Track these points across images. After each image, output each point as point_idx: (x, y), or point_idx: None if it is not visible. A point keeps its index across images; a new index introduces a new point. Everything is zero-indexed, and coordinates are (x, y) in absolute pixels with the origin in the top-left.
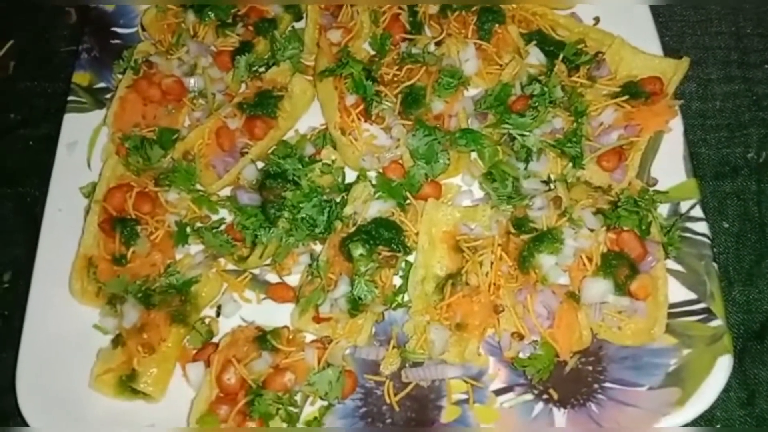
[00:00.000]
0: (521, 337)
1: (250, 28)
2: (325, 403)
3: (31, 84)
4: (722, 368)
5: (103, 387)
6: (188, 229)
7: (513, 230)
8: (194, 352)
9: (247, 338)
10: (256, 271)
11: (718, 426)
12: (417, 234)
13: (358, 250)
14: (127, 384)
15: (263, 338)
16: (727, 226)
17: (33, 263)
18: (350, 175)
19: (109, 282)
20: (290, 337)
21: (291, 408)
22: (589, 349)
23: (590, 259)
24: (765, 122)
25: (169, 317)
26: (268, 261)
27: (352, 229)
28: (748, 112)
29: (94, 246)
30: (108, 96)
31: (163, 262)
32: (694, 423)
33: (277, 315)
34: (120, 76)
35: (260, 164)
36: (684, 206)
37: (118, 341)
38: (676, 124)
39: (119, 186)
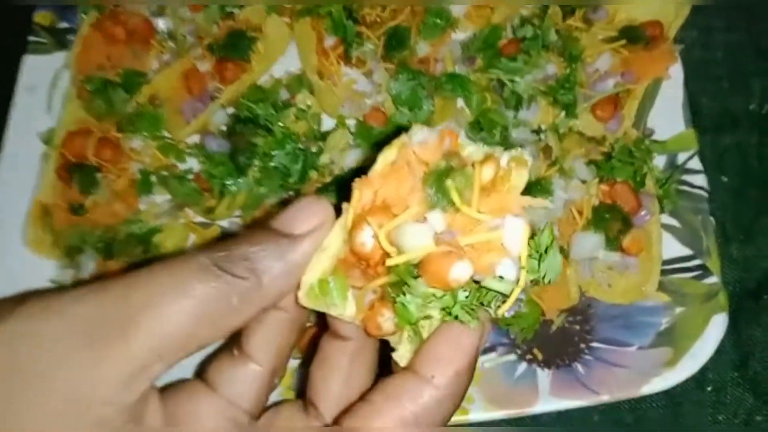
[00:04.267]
0: None
1: None
2: None
3: None
4: (716, 327)
5: None
6: (153, 178)
7: None
8: None
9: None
10: (226, 224)
11: (709, 388)
12: None
13: (332, 201)
14: None
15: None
16: (725, 180)
17: None
18: (329, 123)
19: (66, 232)
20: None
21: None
22: (577, 307)
23: (581, 212)
24: None
25: (128, 268)
26: (238, 213)
27: (328, 179)
28: (751, 62)
29: (50, 194)
30: (72, 37)
31: (125, 213)
32: (684, 385)
33: None
34: (85, 16)
35: (232, 110)
36: (681, 158)
37: None
38: (676, 72)
39: (79, 131)
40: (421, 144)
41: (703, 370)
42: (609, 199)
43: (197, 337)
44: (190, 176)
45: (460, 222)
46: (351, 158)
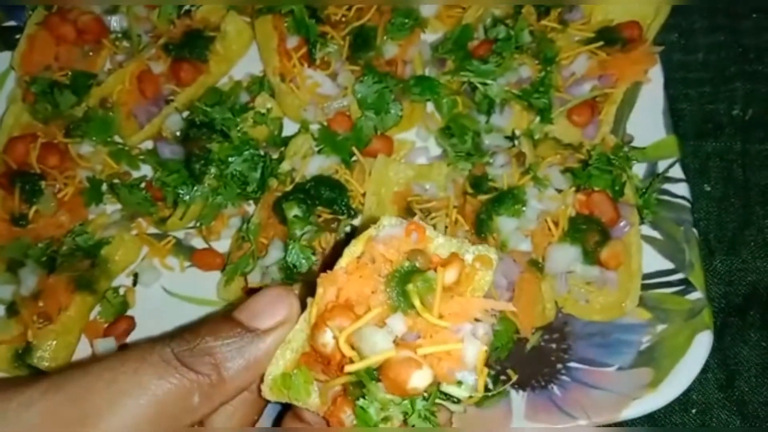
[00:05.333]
0: None
1: None
2: None
3: None
4: (701, 346)
5: None
6: (103, 186)
7: (470, 190)
8: (105, 326)
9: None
10: (181, 236)
11: (693, 411)
12: (364, 194)
13: (292, 211)
14: (22, 358)
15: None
16: (708, 189)
17: None
18: (290, 128)
19: (6, 245)
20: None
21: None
22: (552, 324)
23: (556, 223)
24: (752, 76)
25: (72, 283)
26: (194, 224)
27: (289, 188)
28: (734, 65)
29: None
30: (19, 36)
31: (72, 224)
32: (667, 407)
33: (202, 285)
34: (33, 13)
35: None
36: (662, 166)
37: (12, 310)
38: (656, 75)
39: (22, 136)
40: (387, 240)
41: (687, 392)
42: (586, 209)
43: None
44: (142, 184)
45: (422, 324)
46: (314, 165)
